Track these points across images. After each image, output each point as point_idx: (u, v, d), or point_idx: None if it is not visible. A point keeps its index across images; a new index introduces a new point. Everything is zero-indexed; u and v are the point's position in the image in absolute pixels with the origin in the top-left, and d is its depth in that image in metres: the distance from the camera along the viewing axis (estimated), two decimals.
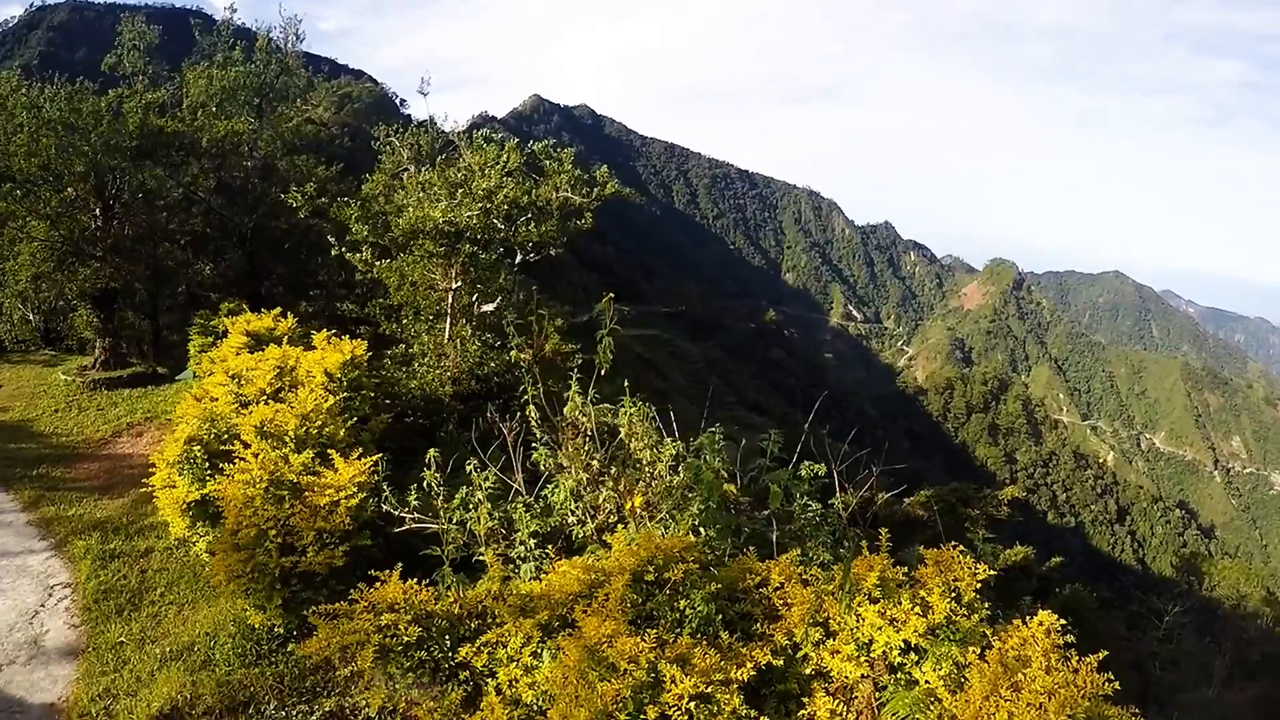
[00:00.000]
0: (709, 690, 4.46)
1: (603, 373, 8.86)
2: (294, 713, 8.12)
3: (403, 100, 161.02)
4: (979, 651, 4.68)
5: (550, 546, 7.91)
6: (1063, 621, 4.69)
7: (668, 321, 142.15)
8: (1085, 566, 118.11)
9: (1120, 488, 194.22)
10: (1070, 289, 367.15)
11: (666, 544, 5.68)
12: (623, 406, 8.32)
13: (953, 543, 5.40)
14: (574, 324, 25.05)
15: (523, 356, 10.19)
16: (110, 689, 9.08)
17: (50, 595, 11.61)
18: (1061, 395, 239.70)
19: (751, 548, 6.88)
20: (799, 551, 6.39)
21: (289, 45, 30.03)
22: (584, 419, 8.69)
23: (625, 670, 4.58)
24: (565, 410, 8.61)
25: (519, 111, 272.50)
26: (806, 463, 7.92)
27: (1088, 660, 4.42)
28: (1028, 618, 4.80)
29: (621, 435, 8.19)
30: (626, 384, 8.63)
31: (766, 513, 7.37)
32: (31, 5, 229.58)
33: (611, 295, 9.27)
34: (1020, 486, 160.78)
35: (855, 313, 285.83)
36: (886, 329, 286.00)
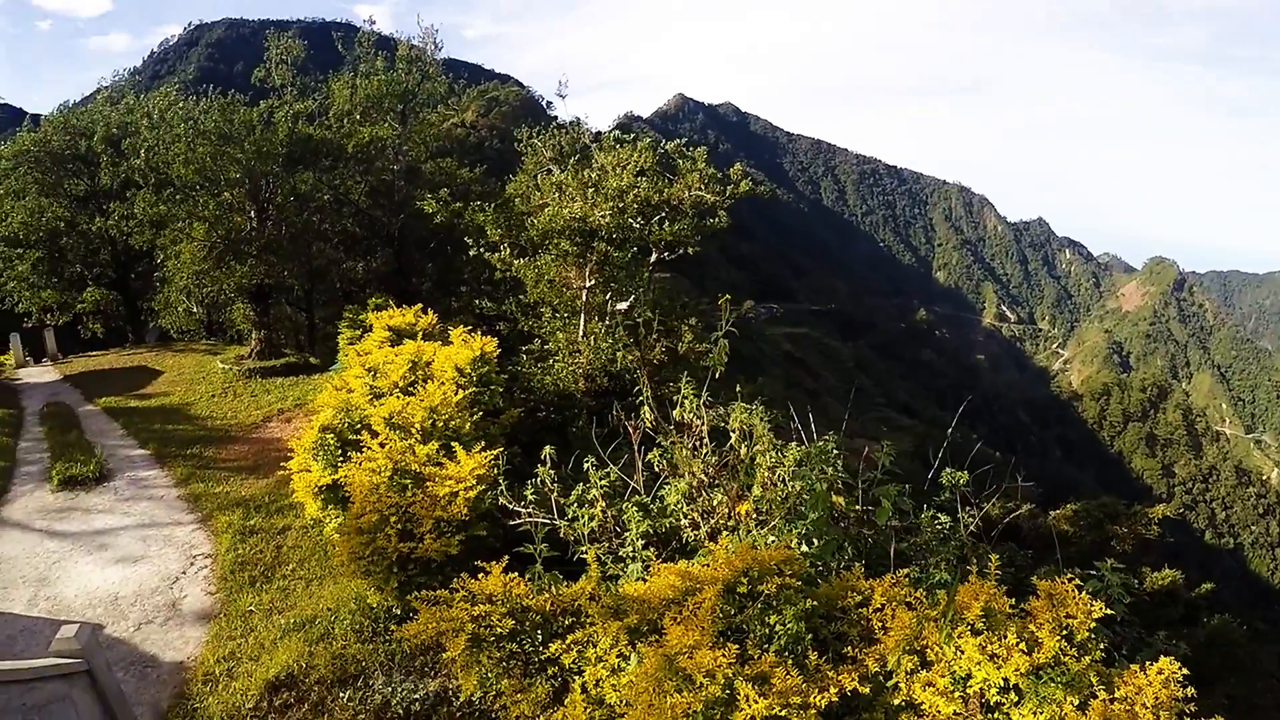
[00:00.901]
0: (784, 714, 4.27)
1: (718, 375, 8.78)
2: (400, 689, 8.40)
3: (549, 103, 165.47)
4: (1079, 702, 4.26)
5: (654, 549, 7.86)
6: (1184, 672, 4.23)
7: (816, 320, 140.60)
8: (1241, 592, 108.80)
9: None
10: (1234, 290, 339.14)
11: (764, 555, 5.48)
12: (750, 408, 8.16)
13: (1067, 574, 4.98)
14: (717, 321, 24.87)
15: (630, 357, 10.18)
16: (235, 653, 9.70)
17: (192, 564, 12.49)
18: (1224, 405, 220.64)
19: (861, 562, 6.59)
20: (916, 569, 6.05)
21: (428, 53, 31.29)
22: (697, 421, 8.62)
23: (701, 684, 4.48)
24: (674, 412, 8.56)
25: (664, 111, 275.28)
26: (948, 470, 7.55)
27: None
28: (1149, 664, 4.35)
29: (732, 440, 8.05)
30: (764, 383, 8.46)
31: (890, 524, 7.06)
32: (190, 24, 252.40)
33: (729, 297, 9.24)
34: (1177, 503, 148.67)
35: (1008, 313, 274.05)
36: (1041, 330, 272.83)
